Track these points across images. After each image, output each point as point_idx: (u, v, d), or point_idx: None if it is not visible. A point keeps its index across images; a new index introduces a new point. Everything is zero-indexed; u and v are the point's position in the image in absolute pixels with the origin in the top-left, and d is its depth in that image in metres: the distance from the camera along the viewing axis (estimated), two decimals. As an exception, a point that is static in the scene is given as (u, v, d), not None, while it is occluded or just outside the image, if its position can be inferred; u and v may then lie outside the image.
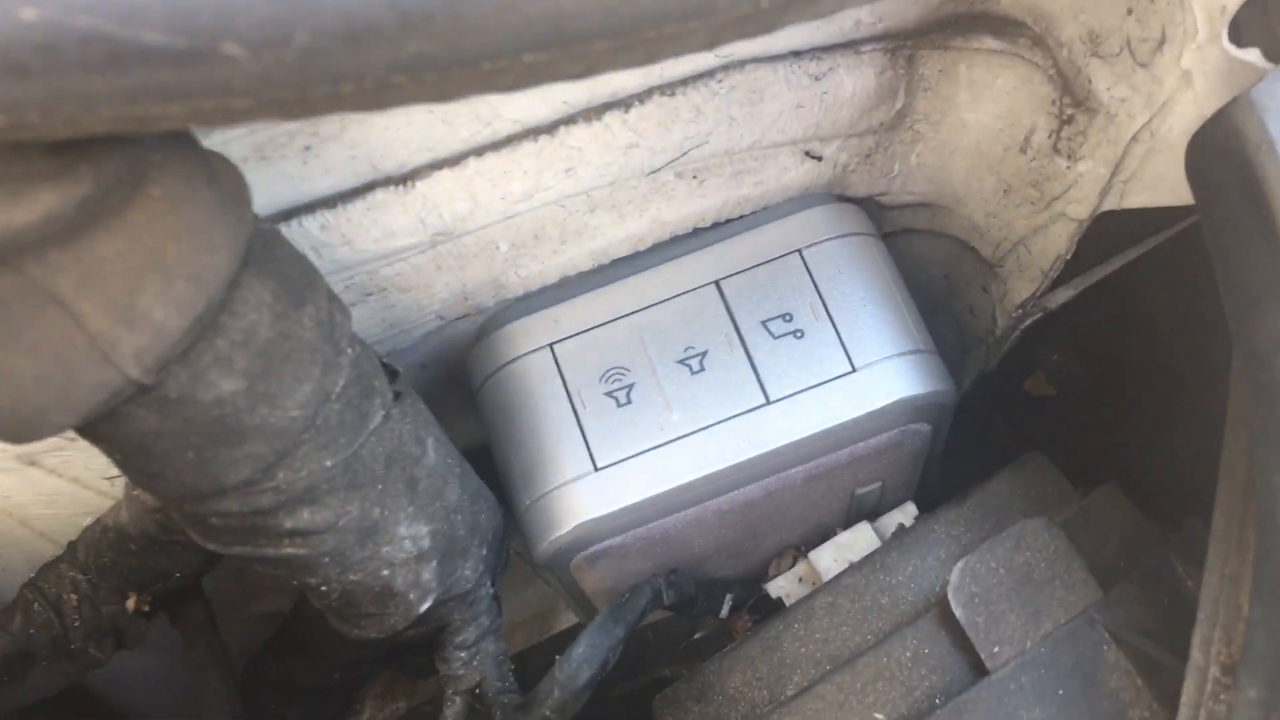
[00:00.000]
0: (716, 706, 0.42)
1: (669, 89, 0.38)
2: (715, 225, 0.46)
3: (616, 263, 0.46)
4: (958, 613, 0.37)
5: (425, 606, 0.39)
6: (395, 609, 0.39)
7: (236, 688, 0.53)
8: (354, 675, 0.62)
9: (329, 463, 0.33)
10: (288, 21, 0.20)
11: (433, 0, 0.21)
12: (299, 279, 0.33)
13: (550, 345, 0.45)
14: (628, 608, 0.44)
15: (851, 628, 0.41)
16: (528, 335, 0.46)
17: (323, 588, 0.37)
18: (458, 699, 0.43)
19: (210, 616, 0.54)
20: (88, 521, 0.50)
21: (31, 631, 0.48)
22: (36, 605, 0.48)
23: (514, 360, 0.46)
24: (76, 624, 0.48)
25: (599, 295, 0.46)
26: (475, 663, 0.42)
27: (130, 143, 0.27)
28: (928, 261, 0.51)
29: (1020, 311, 0.48)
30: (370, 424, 0.35)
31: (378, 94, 0.22)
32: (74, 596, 0.48)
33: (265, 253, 0.31)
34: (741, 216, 0.46)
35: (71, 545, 0.48)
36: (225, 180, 0.30)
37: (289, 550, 0.35)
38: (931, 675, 0.38)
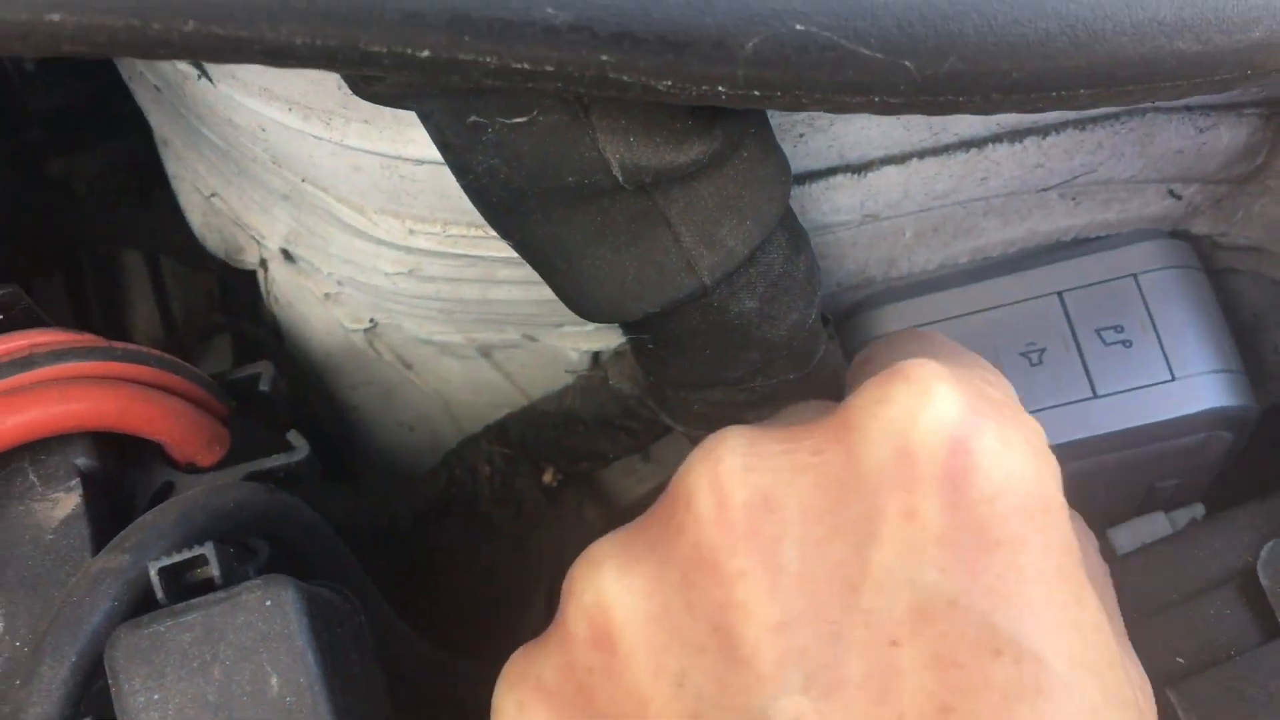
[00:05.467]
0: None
1: (1081, 124, 0.47)
2: (1069, 243, 0.55)
3: (982, 266, 0.55)
4: (1264, 582, 0.45)
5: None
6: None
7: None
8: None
9: (792, 376, 0.43)
10: (946, 49, 0.30)
11: (1063, 42, 0.30)
12: (799, 232, 0.43)
13: (913, 329, 0.55)
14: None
15: (1161, 585, 0.48)
16: (895, 319, 0.55)
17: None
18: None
19: (581, 506, 0.65)
20: (497, 414, 0.61)
21: (452, 490, 0.60)
22: (457, 470, 0.60)
23: (884, 337, 0.55)
24: (486, 491, 0.60)
25: (958, 292, 0.55)
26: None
27: (740, 115, 0.37)
28: (1241, 300, 0.59)
29: (1325, 354, 0.55)
30: (818, 353, 0.45)
31: (978, 105, 0.32)
32: (487, 468, 0.60)
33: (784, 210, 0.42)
34: (1090, 239, 0.55)
35: (498, 425, 0.59)
36: (780, 153, 0.40)
37: (743, 441, 0.45)
38: (1230, 633, 0.46)
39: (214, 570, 0.39)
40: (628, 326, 0.42)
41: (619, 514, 0.69)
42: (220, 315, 0.87)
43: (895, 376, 0.33)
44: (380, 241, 0.49)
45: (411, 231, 0.48)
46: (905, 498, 0.31)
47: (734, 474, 0.32)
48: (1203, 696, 0.45)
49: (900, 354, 0.35)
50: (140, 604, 0.39)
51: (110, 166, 0.88)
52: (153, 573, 0.38)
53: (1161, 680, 0.46)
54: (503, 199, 0.37)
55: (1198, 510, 0.57)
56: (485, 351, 0.57)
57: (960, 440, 0.31)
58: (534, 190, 0.36)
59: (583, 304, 0.40)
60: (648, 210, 0.37)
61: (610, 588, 0.32)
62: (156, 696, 0.35)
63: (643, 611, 0.31)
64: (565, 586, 0.34)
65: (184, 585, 0.39)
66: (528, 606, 0.71)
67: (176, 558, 0.39)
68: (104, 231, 0.88)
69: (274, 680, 0.36)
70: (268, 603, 0.36)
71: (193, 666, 0.36)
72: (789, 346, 0.42)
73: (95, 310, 0.89)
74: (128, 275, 0.91)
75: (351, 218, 0.48)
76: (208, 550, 0.39)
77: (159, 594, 0.38)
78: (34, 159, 0.86)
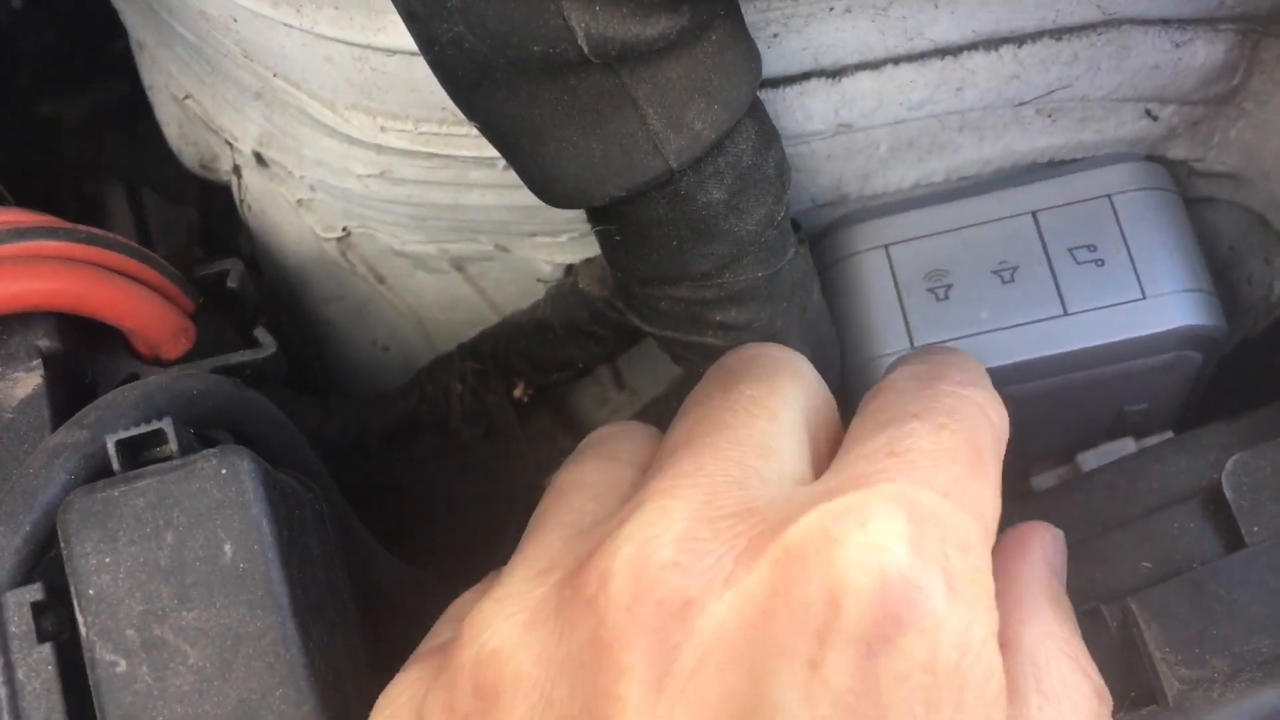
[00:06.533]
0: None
1: (1058, 33, 0.47)
2: (1045, 165, 0.55)
3: (958, 186, 0.55)
4: (1228, 495, 0.45)
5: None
6: (765, 411, 0.48)
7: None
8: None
9: (760, 274, 0.43)
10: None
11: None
12: (769, 127, 0.42)
13: (885, 246, 0.55)
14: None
15: (1126, 500, 0.49)
16: (868, 236, 0.55)
17: (722, 379, 0.47)
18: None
19: (555, 432, 0.65)
20: (470, 333, 0.61)
21: (422, 407, 0.60)
22: (429, 387, 0.60)
23: (854, 254, 0.55)
24: (457, 408, 0.60)
25: (932, 211, 0.55)
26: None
27: (710, -3, 0.37)
28: (1218, 231, 0.59)
29: (1299, 283, 0.55)
30: (787, 254, 0.44)
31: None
32: (459, 385, 0.59)
33: (753, 101, 0.41)
34: (1066, 161, 0.55)
35: (471, 343, 0.59)
36: (750, 40, 0.40)
37: (710, 339, 0.45)
38: (1194, 545, 0.46)
39: (172, 446, 0.38)
40: (594, 216, 0.42)
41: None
42: (199, 249, 0.87)
43: (857, 516, 0.31)
44: (352, 140, 0.49)
45: (383, 129, 0.47)
46: (819, 646, 0.29)
47: (662, 569, 0.31)
48: (1162, 605, 0.45)
49: (905, 410, 0.36)
50: (96, 478, 0.39)
51: (99, 109, 0.87)
52: (110, 445, 0.38)
53: (1123, 590, 0.46)
54: (468, 72, 0.36)
55: (1167, 437, 0.57)
56: (458, 264, 0.57)
57: (893, 611, 0.29)
58: (500, 61, 0.35)
59: (549, 188, 0.40)
60: (615, 89, 0.37)
61: (510, 643, 0.32)
62: (108, 560, 0.35)
63: (530, 676, 0.31)
64: (470, 620, 0.33)
65: (142, 461, 0.39)
66: (499, 536, 0.71)
67: (134, 431, 0.38)
68: (88, 163, 0.88)
69: (227, 547, 0.35)
70: (223, 471, 0.36)
71: (145, 532, 0.35)
72: (757, 242, 0.42)
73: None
74: (110, 216, 0.91)
75: (323, 114, 0.48)
76: (166, 425, 0.38)
77: (115, 466, 0.38)
78: (23, 101, 0.85)
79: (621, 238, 0.42)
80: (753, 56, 0.40)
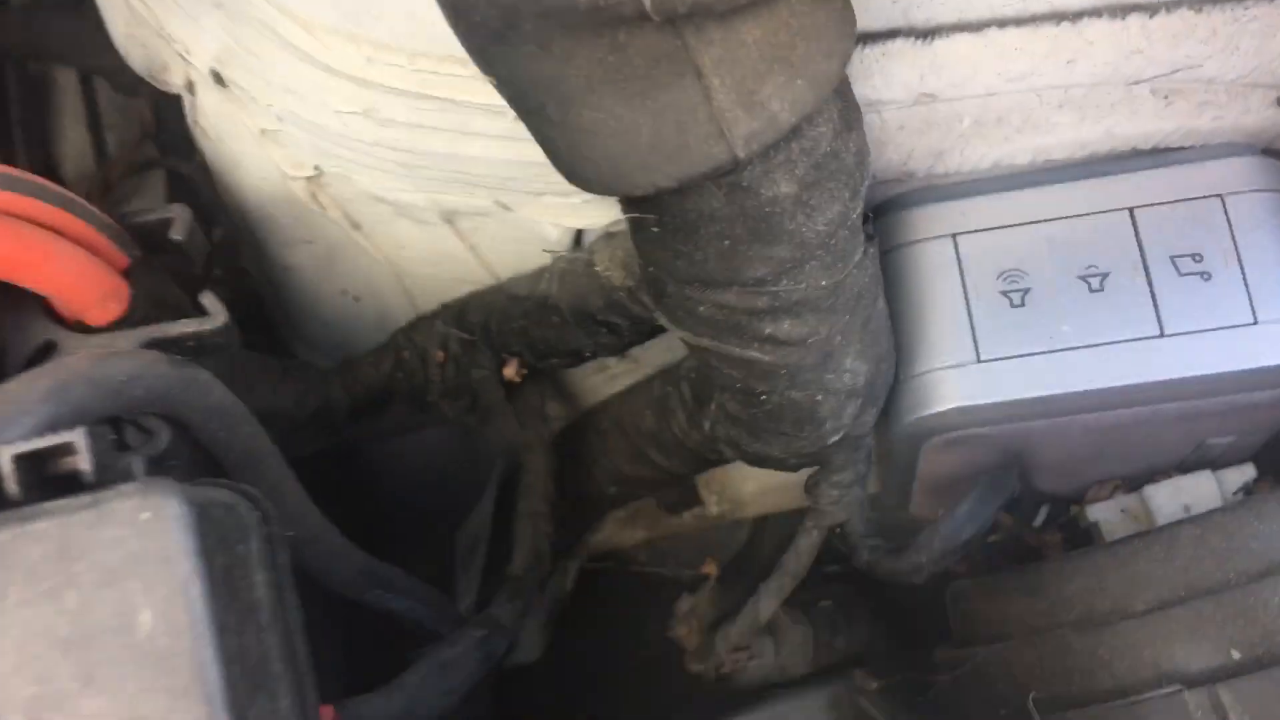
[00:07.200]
0: (1049, 604, 0.44)
1: (1198, 4, 0.39)
2: (1145, 152, 0.47)
3: (1044, 170, 0.47)
4: (1345, 572, 0.38)
5: (834, 439, 0.41)
6: (809, 434, 0.41)
7: (554, 472, 0.56)
8: (623, 494, 0.64)
9: (824, 282, 0.35)
10: None
11: None
12: (853, 106, 0.34)
13: (953, 235, 0.47)
14: (1001, 486, 0.46)
15: (1216, 563, 0.42)
16: (934, 221, 0.47)
17: (762, 396, 0.39)
18: (816, 532, 0.45)
19: (544, 403, 0.58)
20: (457, 292, 0.53)
21: (397, 375, 0.52)
22: (406, 353, 0.52)
23: (916, 242, 0.47)
24: (436, 380, 0.52)
25: (1010, 197, 0.47)
26: (844, 503, 0.45)
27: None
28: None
29: None
30: (855, 257, 0.37)
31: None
32: (440, 354, 0.51)
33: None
34: (1172, 150, 0.47)
35: (457, 305, 0.51)
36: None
37: (754, 354, 0.37)
38: (1297, 625, 0.40)
39: (84, 463, 0.31)
40: (631, 202, 0.34)
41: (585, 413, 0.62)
42: (154, 149, 0.78)
43: None
44: (331, 70, 0.40)
45: (370, 60, 0.39)
46: None
47: None
48: (1259, 697, 0.38)
49: None
50: (-11, 495, 0.31)
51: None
52: (5, 460, 0.30)
53: (1211, 674, 0.39)
54: (490, 19, 0.28)
55: (1248, 472, 0.50)
56: (448, 217, 0.48)
57: None
58: (531, 9, 0.27)
59: (578, 168, 0.32)
60: (675, 53, 0.29)
61: None
62: (-9, 625, 0.27)
63: None
64: None
65: (47, 478, 0.31)
66: (471, 502, 0.64)
67: (38, 443, 0.30)
68: (32, 41, 0.78)
69: (145, 616, 0.28)
70: (144, 515, 0.28)
71: (41, 590, 0.28)
72: (825, 245, 0.34)
73: (19, 135, 0.79)
74: (59, 97, 0.81)
75: (297, 36, 0.39)
76: (78, 437, 0.30)
77: (12, 488, 0.30)
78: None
79: (661, 230, 0.34)
80: (847, 20, 0.31)
